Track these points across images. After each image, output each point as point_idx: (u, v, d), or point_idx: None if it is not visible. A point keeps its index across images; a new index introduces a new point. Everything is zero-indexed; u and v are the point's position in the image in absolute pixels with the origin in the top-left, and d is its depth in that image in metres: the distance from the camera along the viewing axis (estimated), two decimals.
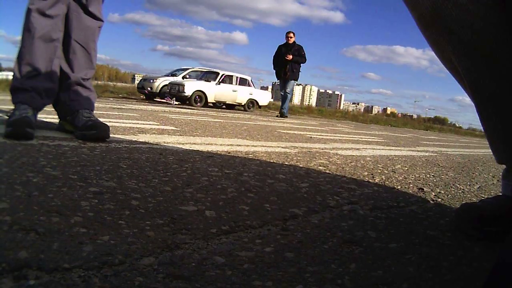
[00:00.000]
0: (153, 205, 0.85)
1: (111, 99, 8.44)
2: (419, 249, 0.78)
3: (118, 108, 4.42)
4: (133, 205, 0.83)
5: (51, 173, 1.01)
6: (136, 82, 19.88)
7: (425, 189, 1.46)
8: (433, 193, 1.40)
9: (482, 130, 0.97)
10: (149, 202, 0.87)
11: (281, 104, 9.09)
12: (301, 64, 9.00)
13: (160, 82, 12.44)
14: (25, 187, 0.87)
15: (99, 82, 18.40)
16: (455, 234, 0.92)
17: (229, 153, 1.77)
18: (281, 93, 9.11)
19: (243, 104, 12.42)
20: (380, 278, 0.62)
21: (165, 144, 1.80)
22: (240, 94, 12.32)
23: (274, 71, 9.14)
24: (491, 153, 1.00)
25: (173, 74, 13.60)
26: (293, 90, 9.39)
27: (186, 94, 10.90)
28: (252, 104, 12.28)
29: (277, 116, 8.88)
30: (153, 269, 0.56)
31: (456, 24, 0.79)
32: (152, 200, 0.89)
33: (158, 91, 12.29)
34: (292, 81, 8.91)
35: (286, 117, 8.81)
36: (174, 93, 11.11)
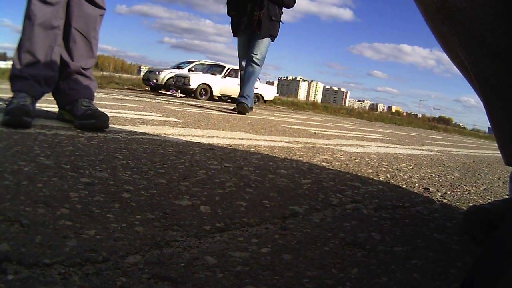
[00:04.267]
0: (145, 198, 0.81)
1: (116, 90, 8.40)
2: (425, 253, 0.73)
3: (121, 99, 4.38)
4: (124, 198, 0.79)
5: (43, 162, 0.98)
6: (142, 73, 19.84)
7: (430, 189, 1.41)
8: (439, 194, 1.35)
9: (487, 132, 0.92)
10: (141, 195, 0.83)
11: (241, 87, 4.55)
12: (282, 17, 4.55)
13: (166, 74, 12.41)
14: (15, 176, 0.83)
15: (105, 73, 18.37)
16: (462, 237, 0.87)
17: (230, 146, 1.72)
18: (243, 63, 4.56)
19: None
20: (384, 286, 0.58)
21: (166, 136, 1.76)
22: None
23: (230, 18, 4.71)
24: (496, 154, 0.95)
25: (179, 66, 13.56)
26: (264, 58, 4.51)
27: (191, 87, 10.86)
28: (257, 98, 12.19)
29: (234, 109, 4.65)
30: (138, 268, 0.52)
31: (461, 14, 0.76)
32: (145, 193, 0.85)
33: (163, 83, 12.26)
34: (267, 39, 4.43)
35: (250, 110, 4.59)
36: (179, 86, 11.09)
